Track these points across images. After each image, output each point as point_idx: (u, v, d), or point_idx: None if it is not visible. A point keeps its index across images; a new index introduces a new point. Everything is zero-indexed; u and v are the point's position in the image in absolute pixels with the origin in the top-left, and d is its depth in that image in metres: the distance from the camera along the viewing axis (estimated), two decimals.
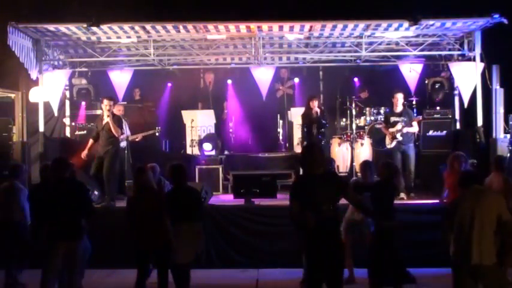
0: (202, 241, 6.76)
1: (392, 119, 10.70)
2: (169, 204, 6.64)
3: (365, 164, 8.04)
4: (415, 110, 12.21)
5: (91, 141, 10.17)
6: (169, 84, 14.35)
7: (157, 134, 12.09)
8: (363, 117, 12.64)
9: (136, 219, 6.69)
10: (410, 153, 10.60)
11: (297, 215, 5.53)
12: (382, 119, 11.58)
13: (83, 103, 12.88)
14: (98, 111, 12.88)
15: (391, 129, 10.62)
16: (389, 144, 10.67)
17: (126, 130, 11.56)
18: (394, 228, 6.70)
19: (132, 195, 7.02)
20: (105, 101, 10.12)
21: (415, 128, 10.75)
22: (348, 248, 8.15)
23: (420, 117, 11.43)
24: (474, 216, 5.44)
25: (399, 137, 10.53)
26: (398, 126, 10.53)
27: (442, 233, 5.87)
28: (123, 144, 11.35)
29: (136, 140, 11.75)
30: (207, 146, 12.47)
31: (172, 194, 6.77)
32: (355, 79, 14.13)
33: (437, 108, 12.30)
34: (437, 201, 8.89)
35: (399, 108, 10.78)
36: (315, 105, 11.03)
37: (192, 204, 6.65)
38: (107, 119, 9.97)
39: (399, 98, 10.78)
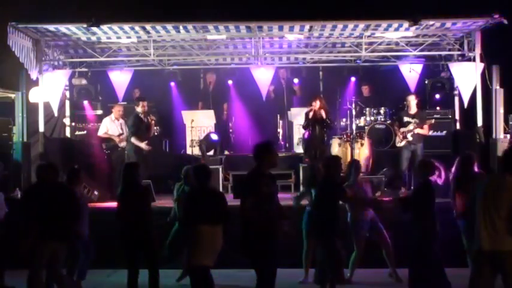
0: (220, 244, 6.53)
1: (406, 119, 10.75)
2: (190, 205, 6.54)
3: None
4: None
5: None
6: (172, 84, 14.35)
7: (155, 133, 12.08)
8: (362, 117, 12.64)
9: (124, 215, 6.72)
10: (419, 153, 10.62)
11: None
12: (395, 118, 11.59)
13: (86, 102, 12.87)
14: (98, 112, 12.93)
15: (402, 129, 10.69)
16: (399, 143, 10.75)
17: (126, 130, 11.58)
18: None
19: (120, 191, 7.00)
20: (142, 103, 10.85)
21: (425, 131, 10.73)
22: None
23: (433, 121, 11.36)
24: (499, 202, 5.35)
25: (409, 137, 10.61)
26: (410, 127, 10.61)
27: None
28: (124, 144, 11.37)
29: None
30: (214, 136, 12.50)
31: (194, 195, 6.62)
32: (353, 78, 14.08)
33: (437, 108, 12.29)
34: (437, 200, 8.82)
35: (413, 109, 10.81)
36: (313, 105, 10.87)
37: (215, 206, 6.47)
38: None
39: (411, 100, 10.84)
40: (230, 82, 14.35)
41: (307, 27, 11.09)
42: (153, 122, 11.09)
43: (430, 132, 11.68)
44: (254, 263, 5.86)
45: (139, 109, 10.86)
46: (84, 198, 7.91)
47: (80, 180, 7.74)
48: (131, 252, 6.75)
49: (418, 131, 10.59)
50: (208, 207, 6.39)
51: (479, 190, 5.43)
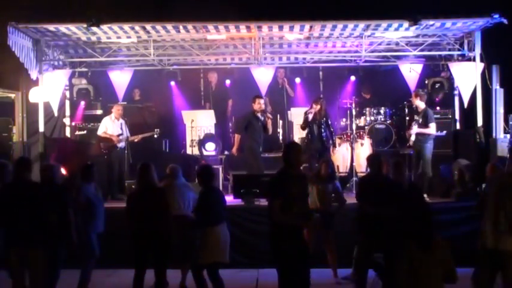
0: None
1: (415, 118, 10.37)
2: (203, 207, 6.70)
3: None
4: None
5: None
6: (172, 83, 14.33)
7: (155, 136, 12.06)
8: (362, 117, 12.64)
9: (137, 216, 6.66)
10: (424, 153, 10.14)
11: (292, 218, 5.68)
12: (408, 119, 11.53)
13: (82, 103, 12.87)
14: (98, 111, 12.93)
15: (408, 129, 10.45)
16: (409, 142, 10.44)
17: (126, 131, 11.57)
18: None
19: (134, 191, 6.97)
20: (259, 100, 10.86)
21: (431, 130, 10.16)
22: (331, 243, 8.16)
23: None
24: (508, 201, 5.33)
25: (412, 138, 10.17)
26: (414, 127, 10.19)
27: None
28: (122, 144, 11.37)
29: (135, 141, 11.75)
30: (210, 146, 12.45)
31: (205, 196, 6.76)
32: (353, 77, 14.04)
33: (437, 108, 12.29)
34: (437, 200, 8.83)
35: (420, 108, 10.34)
36: (314, 107, 10.76)
37: (223, 206, 6.80)
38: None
39: (413, 96, 10.56)
40: (228, 82, 14.32)
41: (307, 27, 11.08)
42: (269, 120, 11.01)
43: None
44: (279, 265, 5.83)
45: (255, 106, 10.81)
46: (92, 196, 7.72)
47: (93, 177, 7.58)
48: (141, 252, 6.70)
49: (420, 130, 10.15)
50: (222, 207, 6.76)
51: (491, 189, 5.44)
